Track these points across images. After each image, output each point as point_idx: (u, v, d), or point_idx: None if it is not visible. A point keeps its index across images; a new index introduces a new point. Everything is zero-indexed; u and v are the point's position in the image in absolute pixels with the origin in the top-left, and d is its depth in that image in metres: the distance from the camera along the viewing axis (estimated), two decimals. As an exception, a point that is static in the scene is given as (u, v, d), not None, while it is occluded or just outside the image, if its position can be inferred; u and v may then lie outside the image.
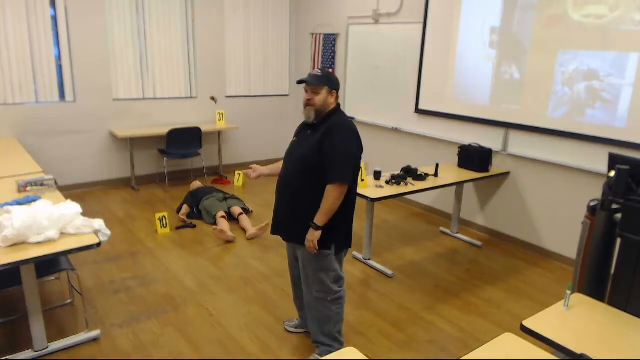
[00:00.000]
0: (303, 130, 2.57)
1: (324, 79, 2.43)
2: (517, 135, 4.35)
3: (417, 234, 4.71)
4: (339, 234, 2.49)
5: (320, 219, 2.37)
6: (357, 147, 2.44)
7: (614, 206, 2.36)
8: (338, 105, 2.51)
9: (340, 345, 2.64)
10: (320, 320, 2.61)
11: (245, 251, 4.12)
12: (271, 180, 6.68)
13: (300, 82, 2.50)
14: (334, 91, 2.45)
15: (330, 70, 6.30)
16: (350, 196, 2.49)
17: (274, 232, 2.65)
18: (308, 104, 2.44)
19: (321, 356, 2.56)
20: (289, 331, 2.97)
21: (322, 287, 2.55)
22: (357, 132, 2.46)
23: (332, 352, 2.62)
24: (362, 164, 3.83)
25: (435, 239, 4.58)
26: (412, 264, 4.01)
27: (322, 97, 2.42)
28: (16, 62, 4.96)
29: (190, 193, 5.05)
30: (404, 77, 5.32)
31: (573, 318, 1.97)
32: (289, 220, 2.54)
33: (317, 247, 2.41)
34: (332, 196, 2.34)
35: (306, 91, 2.46)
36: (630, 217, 2.16)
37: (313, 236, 2.39)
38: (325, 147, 2.35)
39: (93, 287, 3.42)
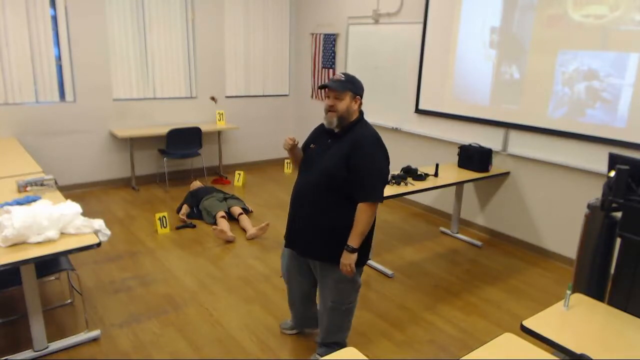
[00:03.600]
0: (321, 136, 2.42)
1: (348, 84, 2.30)
2: (517, 135, 4.35)
3: (417, 234, 4.71)
4: (365, 250, 2.41)
5: (355, 240, 2.26)
6: (386, 159, 2.34)
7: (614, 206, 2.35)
8: (361, 113, 2.39)
9: (342, 347, 2.64)
10: (331, 329, 2.59)
11: (245, 251, 4.12)
12: (271, 180, 6.69)
13: (322, 87, 2.36)
14: (358, 97, 2.32)
15: (330, 72, 6.30)
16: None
17: (288, 245, 2.55)
18: (330, 110, 2.31)
19: (321, 356, 2.56)
20: (285, 333, 2.95)
21: (339, 298, 2.49)
22: (383, 143, 2.35)
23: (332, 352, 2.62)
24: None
25: (435, 239, 4.58)
26: (412, 264, 4.01)
27: (345, 103, 2.28)
28: (16, 62, 4.96)
29: (190, 193, 5.05)
30: (404, 77, 5.32)
31: (573, 318, 1.97)
32: (309, 236, 2.42)
33: (355, 270, 2.31)
34: (366, 216, 2.23)
35: (328, 97, 2.32)
36: (630, 217, 2.16)
37: (350, 259, 2.27)
38: (355, 164, 2.22)
39: (93, 287, 3.42)
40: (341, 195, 2.28)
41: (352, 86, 2.32)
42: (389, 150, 2.39)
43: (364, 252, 2.41)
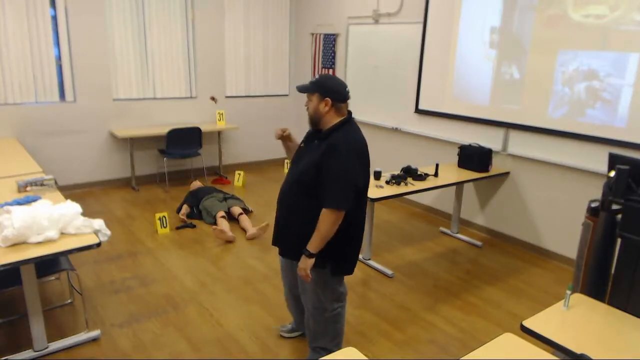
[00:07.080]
0: (312, 136, 2.39)
1: (315, 86, 2.29)
2: (517, 135, 4.35)
3: (417, 234, 4.71)
4: (337, 254, 2.31)
5: (313, 245, 2.20)
6: (360, 167, 2.24)
7: (614, 206, 2.35)
8: (348, 115, 2.31)
9: (329, 352, 2.54)
10: (315, 333, 2.54)
11: (245, 251, 4.12)
12: (271, 180, 6.69)
13: (297, 88, 2.41)
14: (327, 99, 2.24)
15: (330, 72, 6.30)
16: (355, 218, 2.31)
17: (273, 242, 2.56)
18: (307, 109, 2.35)
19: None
20: (284, 337, 2.91)
21: (318, 304, 2.43)
22: (361, 150, 2.27)
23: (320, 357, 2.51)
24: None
25: (435, 239, 4.58)
26: (412, 264, 4.01)
27: (313, 104, 2.29)
28: (16, 62, 4.96)
29: (191, 193, 5.05)
30: (404, 77, 5.32)
31: (573, 318, 1.97)
32: (285, 237, 2.44)
33: (310, 276, 2.26)
34: (326, 222, 2.16)
35: None
36: (630, 217, 2.16)
37: (305, 264, 2.23)
38: (324, 168, 2.18)
39: (93, 287, 3.42)
40: (314, 200, 2.22)
41: (319, 88, 2.28)
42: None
43: (341, 260, 2.34)
